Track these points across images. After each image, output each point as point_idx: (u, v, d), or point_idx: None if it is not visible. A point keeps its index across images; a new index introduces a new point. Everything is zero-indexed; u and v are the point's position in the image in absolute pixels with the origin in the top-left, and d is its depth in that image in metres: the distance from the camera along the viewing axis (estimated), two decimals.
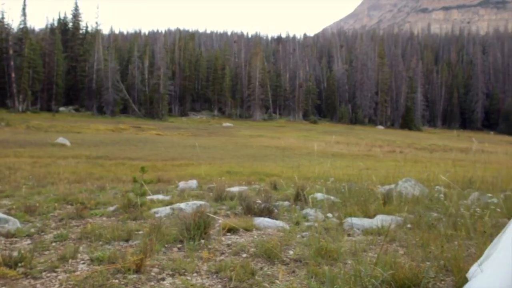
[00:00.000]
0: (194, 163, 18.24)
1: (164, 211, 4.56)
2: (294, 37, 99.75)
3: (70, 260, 2.74)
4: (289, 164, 17.67)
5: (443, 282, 2.34)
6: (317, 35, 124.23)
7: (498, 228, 2.81)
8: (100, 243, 3.23)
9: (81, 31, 66.26)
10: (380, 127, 67.61)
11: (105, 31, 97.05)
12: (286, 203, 5.54)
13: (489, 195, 5.13)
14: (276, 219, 4.28)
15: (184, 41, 76.70)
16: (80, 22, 66.60)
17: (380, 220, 4.01)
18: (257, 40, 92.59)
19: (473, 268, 1.90)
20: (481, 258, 1.93)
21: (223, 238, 3.43)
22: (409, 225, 3.79)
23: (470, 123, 78.43)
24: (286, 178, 12.39)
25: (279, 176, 13.90)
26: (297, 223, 4.06)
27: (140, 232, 3.56)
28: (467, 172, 9.58)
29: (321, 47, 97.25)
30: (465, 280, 2.02)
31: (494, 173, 9.53)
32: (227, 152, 24.89)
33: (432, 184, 7.81)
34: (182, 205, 4.76)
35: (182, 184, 8.86)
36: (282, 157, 22.02)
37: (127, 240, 3.33)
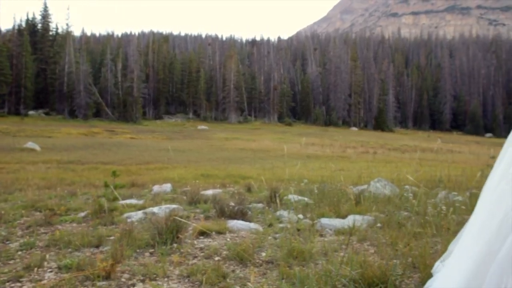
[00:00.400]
0: (169, 166, 18.07)
1: (136, 215, 4.50)
2: (268, 40, 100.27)
3: (36, 269, 2.66)
4: (264, 166, 17.71)
5: (410, 279, 2.40)
6: (291, 38, 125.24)
7: (462, 225, 2.90)
8: (69, 250, 3.16)
9: (51, 33, 64.56)
10: (354, 128, 68.72)
11: (76, 32, 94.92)
12: (260, 205, 5.56)
13: (455, 193, 5.29)
14: (250, 221, 4.29)
15: (158, 43, 75.87)
16: (50, 23, 64.95)
17: (351, 220, 4.08)
18: (231, 42, 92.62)
19: (437, 264, 1.97)
20: (445, 254, 2.00)
21: (195, 242, 3.41)
22: (379, 224, 3.87)
23: (439, 124, 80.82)
24: (261, 181, 12.41)
25: (254, 178, 13.92)
26: (270, 225, 4.08)
27: (111, 238, 3.50)
28: (436, 172, 9.86)
29: (295, 50, 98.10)
30: (430, 276, 2.09)
31: (460, 172, 9.85)
32: (202, 155, 24.76)
33: (403, 183, 8.00)
34: (155, 209, 4.71)
35: (156, 188, 8.75)
36: (257, 160, 22.06)
37: (97, 246, 3.27)
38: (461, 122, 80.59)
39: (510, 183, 1.42)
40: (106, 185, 4.65)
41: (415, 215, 4.30)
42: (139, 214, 4.52)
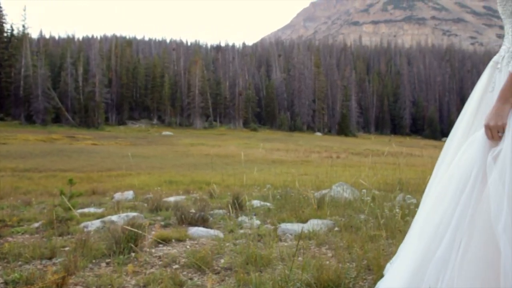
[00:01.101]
0: (132, 173, 17.70)
1: (94, 224, 4.37)
2: (233, 46, 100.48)
3: None
4: (229, 171, 17.68)
5: (364, 281, 2.47)
6: (255, 45, 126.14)
7: None
8: (19, 263, 3.02)
9: (5, 34, 61.83)
10: (318, 133, 69.88)
11: (34, 34, 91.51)
12: (222, 211, 5.54)
13: (409, 196, 5.48)
14: (211, 228, 4.27)
15: (121, 47, 74.39)
16: (4, 24, 62.21)
17: (312, 224, 4.14)
18: (196, 48, 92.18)
19: (388, 265, 2.03)
20: (396, 255, 2.08)
21: (154, 250, 3.36)
22: (336, 228, 3.95)
23: (399, 128, 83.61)
24: (225, 186, 12.39)
25: (219, 184, 13.87)
26: (231, 231, 4.08)
27: (66, 249, 3.39)
28: (396, 175, 10.17)
29: (259, 56, 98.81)
30: (382, 277, 2.16)
31: (418, 175, 10.21)
32: (167, 161, 24.42)
33: (363, 187, 8.21)
34: (114, 217, 4.60)
35: (117, 196, 8.55)
36: (223, 165, 21.98)
37: (50, 258, 3.15)
38: (420, 127, 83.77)
39: (447, 184, 1.49)
40: (62, 194, 4.50)
41: (372, 218, 4.42)
42: (96, 223, 4.40)
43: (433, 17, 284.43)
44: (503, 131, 1.40)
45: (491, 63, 1.62)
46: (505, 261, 1.23)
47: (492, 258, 1.28)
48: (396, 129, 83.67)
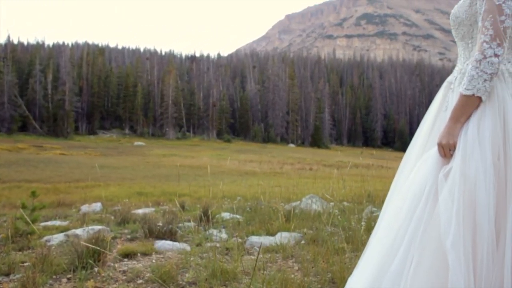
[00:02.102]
0: (101, 184, 17.31)
1: (57, 238, 4.24)
2: (208, 56, 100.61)
3: None
4: (202, 183, 17.55)
5: None
6: (230, 55, 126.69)
7: None
8: None
9: None
10: (292, 145, 70.41)
11: (1, 40, 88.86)
12: (191, 224, 5.48)
13: (375, 208, 5.58)
14: (179, 241, 4.22)
15: (93, 55, 73.18)
16: None
17: (280, 237, 4.15)
18: (170, 58, 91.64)
19: (349, 279, 2.06)
20: (355, 267, 2.11)
21: (117, 265, 3.29)
22: (303, 241, 3.98)
23: (371, 141, 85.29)
24: (197, 198, 12.28)
25: (190, 196, 13.74)
26: (199, 244, 4.04)
27: (25, 264, 3.27)
28: (367, 186, 10.34)
29: (234, 67, 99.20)
30: None
31: (388, 187, 10.39)
32: (137, 172, 24.03)
33: (334, 199, 8.30)
34: (79, 231, 4.47)
35: (84, 208, 8.33)
36: (195, 177, 21.79)
37: (7, 275, 3.03)
38: (391, 139, 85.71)
39: (403, 200, 1.54)
40: (24, 206, 4.35)
41: (340, 230, 4.48)
42: (60, 237, 4.26)
43: (404, 33, 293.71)
44: (454, 149, 1.46)
45: (445, 83, 1.70)
46: (453, 276, 1.27)
47: (442, 272, 1.32)
48: (368, 141, 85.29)
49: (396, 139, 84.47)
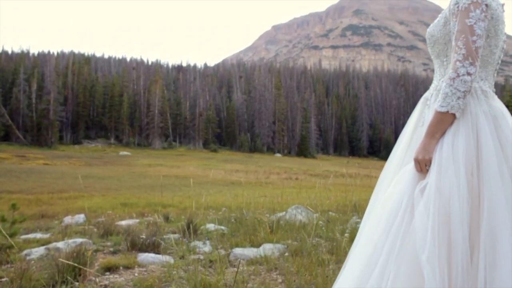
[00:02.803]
0: (85, 195, 17.08)
1: (37, 252, 4.16)
2: (195, 66, 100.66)
3: None
4: (187, 193, 17.43)
5: None
6: (217, 65, 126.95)
7: None
8: None
9: None
10: (278, 155, 70.55)
11: None
12: (176, 235, 5.44)
13: (359, 220, 5.61)
14: (162, 253, 4.17)
15: (78, 65, 72.60)
16: None
17: (265, 249, 4.14)
18: (157, 67, 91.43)
19: None
20: (335, 281, 2.12)
21: (98, 279, 3.24)
22: (286, 254, 3.98)
23: (357, 150, 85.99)
24: (182, 209, 12.19)
25: (176, 206, 13.63)
26: (182, 257, 4.00)
27: (3, 280, 3.20)
28: (353, 196, 10.40)
29: (221, 77, 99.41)
30: None
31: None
32: (122, 183, 23.77)
33: (320, 208, 8.32)
34: (60, 244, 4.40)
35: (67, 219, 8.20)
36: (181, 187, 21.65)
37: None
38: (376, 149, 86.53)
39: (381, 214, 1.56)
40: (3, 219, 4.27)
41: (324, 241, 4.49)
42: (40, 251, 4.18)
43: (389, 44, 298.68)
44: (430, 165, 1.49)
45: (422, 99, 1.74)
46: None
47: (418, 286, 1.34)
48: (354, 151, 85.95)
49: (382, 148, 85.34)
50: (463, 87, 1.47)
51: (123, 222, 7.18)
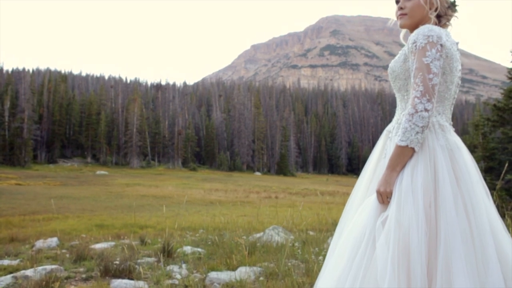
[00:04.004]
0: (60, 216, 16.63)
1: (3, 281, 4.00)
2: (174, 84, 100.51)
3: None
4: (166, 214, 17.19)
5: None
6: (196, 84, 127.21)
7: None
8: None
9: None
10: (258, 173, 70.52)
11: None
12: (152, 259, 5.34)
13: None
14: (137, 279, 4.09)
15: (54, 82, 71.52)
16: None
17: (241, 272, 4.11)
18: (135, 85, 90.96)
19: None
20: None
21: None
22: (261, 278, 3.95)
23: (336, 168, 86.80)
24: (160, 230, 11.99)
25: (153, 227, 13.42)
26: (157, 282, 3.93)
27: None
28: (332, 214, 10.46)
29: (200, 96, 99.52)
30: None
31: None
32: (99, 203, 23.25)
33: (298, 228, 8.33)
34: (29, 272, 4.25)
35: (39, 244, 7.93)
36: (159, 207, 21.33)
37: None
38: (355, 166, 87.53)
39: (346, 243, 1.60)
40: None
41: (301, 263, 4.49)
42: (7, 279, 4.03)
43: (366, 64, 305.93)
44: (391, 197, 1.56)
45: (384, 132, 1.81)
46: None
47: None
48: (333, 169, 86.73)
49: (361, 166, 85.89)
50: (421, 122, 1.55)
51: (98, 246, 7.01)
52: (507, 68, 11.02)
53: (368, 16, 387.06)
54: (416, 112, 1.55)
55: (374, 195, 1.61)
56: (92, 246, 6.89)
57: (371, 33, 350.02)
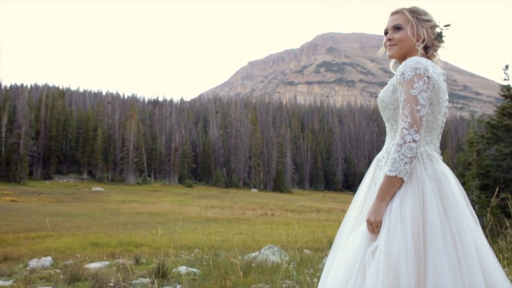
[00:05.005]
0: (54, 234, 16.52)
1: None
2: (171, 100, 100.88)
3: None
4: (162, 231, 17.07)
5: None
6: (193, 100, 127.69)
7: None
8: None
9: None
10: (254, 190, 70.30)
11: None
12: (147, 280, 5.33)
13: None
14: None
15: (52, 98, 71.57)
16: None
17: None
18: (133, 101, 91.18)
19: None
20: None
21: None
22: None
23: (333, 184, 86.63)
24: (155, 248, 11.91)
25: (149, 245, 13.32)
26: None
27: None
28: (329, 232, 10.43)
29: (197, 112, 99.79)
30: None
31: None
32: (94, 220, 23.09)
33: (295, 246, 8.30)
34: None
35: (33, 263, 7.89)
36: (155, 224, 21.21)
37: None
38: (351, 183, 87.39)
39: (337, 271, 1.63)
40: None
41: (296, 284, 4.48)
42: None
43: (361, 80, 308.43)
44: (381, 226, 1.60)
45: (375, 160, 1.86)
46: None
47: None
48: (329, 185, 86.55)
49: (357, 182, 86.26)
50: (409, 153, 1.59)
51: (92, 265, 6.98)
52: (500, 85, 11.16)
53: (363, 33, 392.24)
54: (405, 143, 1.60)
55: (364, 225, 1.64)
56: (87, 266, 6.86)
57: (366, 50, 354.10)
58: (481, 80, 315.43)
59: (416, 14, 1.80)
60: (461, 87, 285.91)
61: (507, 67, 10.87)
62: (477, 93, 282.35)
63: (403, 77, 1.66)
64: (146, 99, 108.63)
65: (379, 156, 1.84)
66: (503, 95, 11.07)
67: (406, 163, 1.59)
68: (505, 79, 10.88)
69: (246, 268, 5.39)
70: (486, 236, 4.27)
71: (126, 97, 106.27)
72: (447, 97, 1.77)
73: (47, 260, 7.92)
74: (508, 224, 4.70)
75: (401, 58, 1.83)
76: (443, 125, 1.81)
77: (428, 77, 1.64)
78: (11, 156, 54.48)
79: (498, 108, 11.37)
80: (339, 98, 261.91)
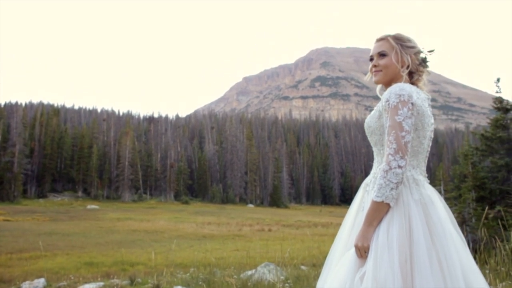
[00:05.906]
0: (48, 254, 16.29)
1: None
2: (166, 117, 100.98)
3: None
4: (157, 249, 16.89)
5: None
6: (189, 116, 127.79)
7: None
8: None
9: None
10: (251, 205, 69.95)
11: None
12: None
13: None
14: None
15: (47, 116, 71.47)
16: None
17: None
18: (128, 118, 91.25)
19: None
20: None
21: None
22: None
23: (329, 198, 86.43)
24: (151, 267, 11.75)
25: (145, 264, 13.14)
26: None
27: None
28: (326, 247, 10.35)
29: (192, 128, 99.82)
30: None
31: None
32: (89, 239, 22.82)
33: (291, 262, 8.21)
34: None
35: (25, 286, 7.75)
36: (151, 242, 20.99)
37: None
38: (348, 196, 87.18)
39: (334, 275, 1.62)
40: None
41: None
42: None
43: (356, 94, 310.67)
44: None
45: (363, 184, 1.88)
46: None
47: None
48: (326, 199, 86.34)
49: (354, 196, 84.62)
50: (395, 179, 1.61)
51: (86, 287, 6.86)
52: (493, 98, 11.28)
53: (357, 47, 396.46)
54: (390, 169, 1.61)
55: (353, 250, 1.65)
56: (81, 287, 6.74)
57: (360, 64, 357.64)
58: (474, 92, 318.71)
59: (400, 41, 1.84)
60: (455, 99, 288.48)
61: (498, 80, 11.01)
62: (471, 105, 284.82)
63: (388, 104, 1.69)
64: (142, 116, 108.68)
65: (367, 180, 1.86)
66: (496, 107, 11.18)
67: (392, 188, 1.60)
68: (497, 92, 11.01)
69: (243, 286, 5.32)
70: (480, 252, 4.24)
71: (121, 113, 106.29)
72: (432, 121, 1.79)
73: (40, 282, 7.78)
74: (504, 237, 4.67)
75: (387, 84, 1.87)
76: (429, 149, 1.83)
77: (412, 103, 1.66)
78: (5, 175, 53.99)
79: (491, 120, 11.47)
80: (334, 112, 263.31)
